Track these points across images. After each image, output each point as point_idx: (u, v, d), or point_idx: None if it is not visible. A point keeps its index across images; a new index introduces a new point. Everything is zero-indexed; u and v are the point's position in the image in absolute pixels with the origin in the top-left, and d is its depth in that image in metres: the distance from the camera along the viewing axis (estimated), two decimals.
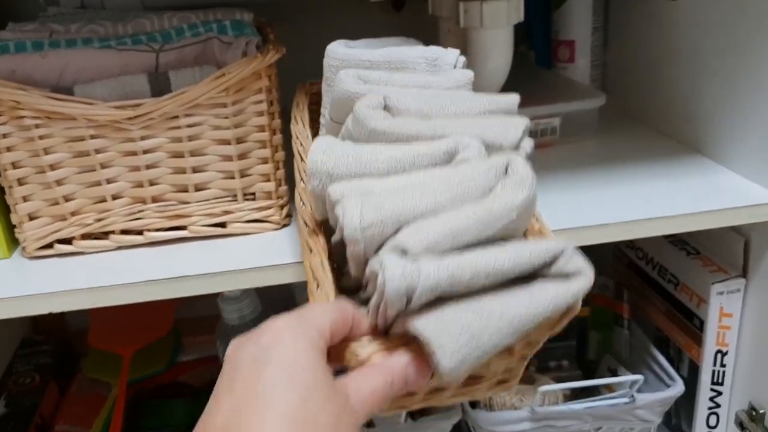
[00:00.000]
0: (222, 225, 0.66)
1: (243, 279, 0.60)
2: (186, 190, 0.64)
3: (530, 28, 0.95)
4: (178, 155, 0.63)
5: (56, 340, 1.05)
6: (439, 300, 0.36)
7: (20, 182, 0.61)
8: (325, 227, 0.47)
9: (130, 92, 0.61)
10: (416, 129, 0.44)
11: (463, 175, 0.40)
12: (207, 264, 0.61)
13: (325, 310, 0.36)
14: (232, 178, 0.65)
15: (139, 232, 0.65)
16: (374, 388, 0.35)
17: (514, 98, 0.49)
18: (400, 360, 0.36)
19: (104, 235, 0.64)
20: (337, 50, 0.58)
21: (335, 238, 0.41)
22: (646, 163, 0.75)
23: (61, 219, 0.63)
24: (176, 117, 0.61)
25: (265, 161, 0.65)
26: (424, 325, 0.35)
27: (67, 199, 0.62)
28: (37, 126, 0.59)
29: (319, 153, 0.43)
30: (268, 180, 0.66)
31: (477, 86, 0.74)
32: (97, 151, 0.61)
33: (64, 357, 1.04)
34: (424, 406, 0.43)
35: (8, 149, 0.60)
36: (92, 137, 0.61)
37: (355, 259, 0.39)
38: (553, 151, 0.80)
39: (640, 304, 0.84)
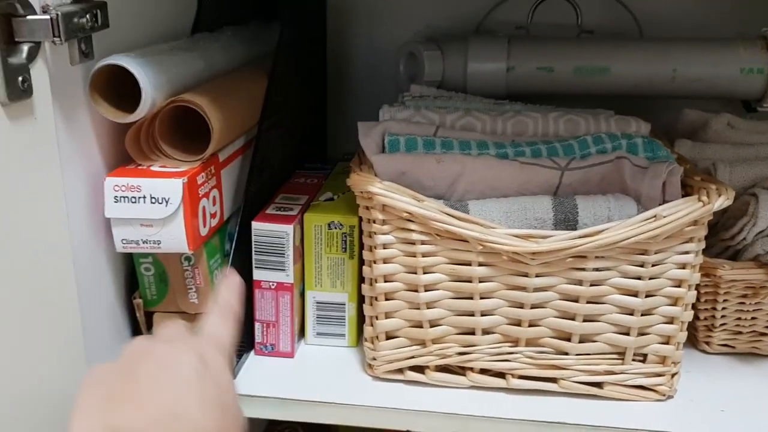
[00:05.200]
0: (598, 385, 0.51)
1: None
2: (568, 339, 0.50)
3: None
4: (572, 299, 0.49)
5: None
6: None
7: (387, 297, 0.51)
8: None
9: (531, 218, 0.49)
10: None
11: None
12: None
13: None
14: (626, 334, 0.50)
15: (501, 375, 0.52)
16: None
17: None
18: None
19: (461, 370, 0.52)
20: None
21: None
22: None
23: (419, 344, 0.52)
24: (584, 257, 0.47)
25: (670, 321, 0.50)
26: None
27: (432, 324, 0.51)
28: (423, 242, 0.49)
29: None
30: (667, 342, 0.51)
31: None
32: (481, 280, 0.49)
33: None
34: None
35: (385, 260, 0.50)
36: (480, 264, 0.49)
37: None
38: None
39: None
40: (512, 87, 0.71)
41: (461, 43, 0.71)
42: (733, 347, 0.58)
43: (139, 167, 0.47)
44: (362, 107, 0.57)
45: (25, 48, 0.37)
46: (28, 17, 0.37)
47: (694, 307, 0.57)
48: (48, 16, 0.38)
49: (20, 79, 0.36)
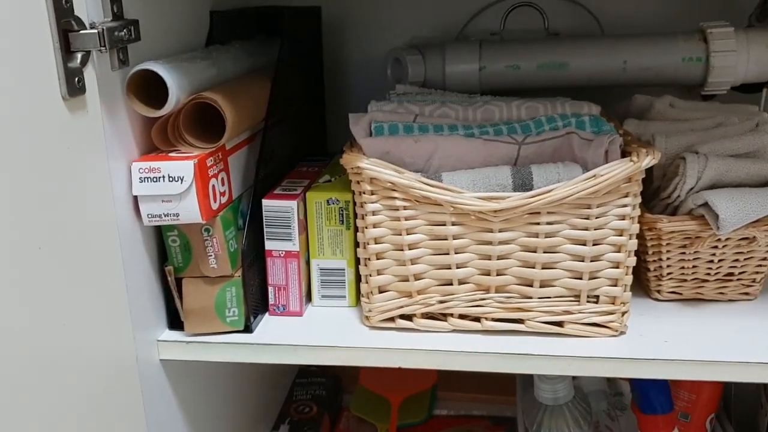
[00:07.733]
0: (559, 324, 0.59)
1: (584, 367, 0.56)
2: (531, 285, 0.58)
3: None
4: (531, 250, 0.57)
5: (329, 373, 1.05)
6: (715, 186, 0.59)
7: (378, 256, 0.59)
8: None
9: (493, 184, 0.57)
10: None
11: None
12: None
13: None
14: (579, 278, 0.58)
15: (477, 319, 0.60)
16: None
17: None
18: None
19: (443, 316, 0.60)
20: None
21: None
22: None
23: (407, 295, 0.60)
24: (538, 213, 0.55)
25: (616, 266, 0.57)
26: (707, 194, 0.58)
27: (416, 277, 0.59)
28: (405, 208, 0.57)
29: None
30: (615, 285, 0.58)
31: None
32: (454, 237, 0.57)
33: (335, 391, 1.03)
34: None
35: (374, 225, 0.58)
36: (453, 224, 0.57)
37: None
38: None
39: None
40: (485, 84, 0.79)
41: (439, 49, 0.79)
42: (681, 294, 0.65)
43: (159, 153, 0.55)
44: (357, 108, 0.66)
45: (79, 56, 0.46)
46: (81, 32, 0.46)
47: (644, 259, 0.65)
48: (95, 31, 0.46)
49: (76, 79, 0.45)
